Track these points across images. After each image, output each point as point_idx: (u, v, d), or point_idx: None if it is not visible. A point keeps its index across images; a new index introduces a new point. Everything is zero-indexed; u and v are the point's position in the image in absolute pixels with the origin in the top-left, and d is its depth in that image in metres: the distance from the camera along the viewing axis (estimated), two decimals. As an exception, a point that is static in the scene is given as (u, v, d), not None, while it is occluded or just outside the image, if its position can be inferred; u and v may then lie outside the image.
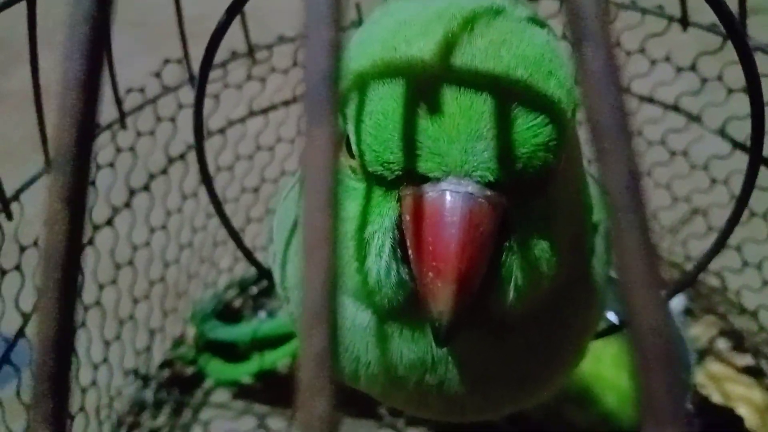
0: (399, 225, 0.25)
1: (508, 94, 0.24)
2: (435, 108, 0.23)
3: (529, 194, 0.25)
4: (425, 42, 0.24)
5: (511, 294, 0.26)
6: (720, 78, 0.57)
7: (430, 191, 0.24)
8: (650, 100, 0.62)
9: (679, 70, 0.61)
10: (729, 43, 0.32)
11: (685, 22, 0.51)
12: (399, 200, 0.25)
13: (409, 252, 0.25)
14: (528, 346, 0.30)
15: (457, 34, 0.24)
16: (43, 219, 0.08)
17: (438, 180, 0.23)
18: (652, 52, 0.61)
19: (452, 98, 0.23)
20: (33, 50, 0.40)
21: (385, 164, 0.24)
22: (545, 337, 0.30)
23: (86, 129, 0.08)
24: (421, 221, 0.24)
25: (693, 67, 0.59)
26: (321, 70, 0.07)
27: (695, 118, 0.60)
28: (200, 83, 0.31)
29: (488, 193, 0.23)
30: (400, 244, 0.25)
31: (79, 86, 0.08)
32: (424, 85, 0.24)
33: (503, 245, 0.25)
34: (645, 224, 0.07)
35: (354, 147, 0.25)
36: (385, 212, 0.25)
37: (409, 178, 0.24)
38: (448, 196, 0.23)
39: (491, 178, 0.23)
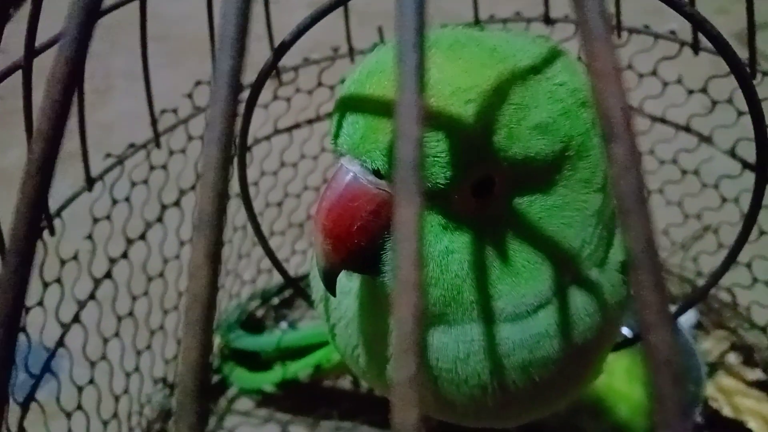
0: None
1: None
2: (364, 107, 0.28)
3: (439, 200, 0.28)
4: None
5: None
6: (730, 100, 0.59)
7: (339, 164, 0.29)
8: (662, 120, 0.64)
9: (691, 92, 0.62)
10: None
11: (696, 46, 0.53)
12: None
13: None
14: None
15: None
16: (189, 270, 0.10)
17: (342, 156, 0.29)
18: (665, 74, 0.63)
19: (375, 103, 0.28)
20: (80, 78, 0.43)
21: (332, 139, 0.30)
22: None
23: (221, 200, 0.11)
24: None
25: (704, 90, 0.61)
26: (410, 162, 0.10)
27: (706, 139, 0.62)
28: (244, 123, 0.33)
29: (370, 177, 0.28)
30: None
31: (215, 191, 0.10)
32: (367, 93, 0.29)
33: None
34: (659, 279, 0.10)
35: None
36: None
37: (340, 153, 0.30)
38: (341, 171, 0.29)
39: (377, 167, 0.28)
